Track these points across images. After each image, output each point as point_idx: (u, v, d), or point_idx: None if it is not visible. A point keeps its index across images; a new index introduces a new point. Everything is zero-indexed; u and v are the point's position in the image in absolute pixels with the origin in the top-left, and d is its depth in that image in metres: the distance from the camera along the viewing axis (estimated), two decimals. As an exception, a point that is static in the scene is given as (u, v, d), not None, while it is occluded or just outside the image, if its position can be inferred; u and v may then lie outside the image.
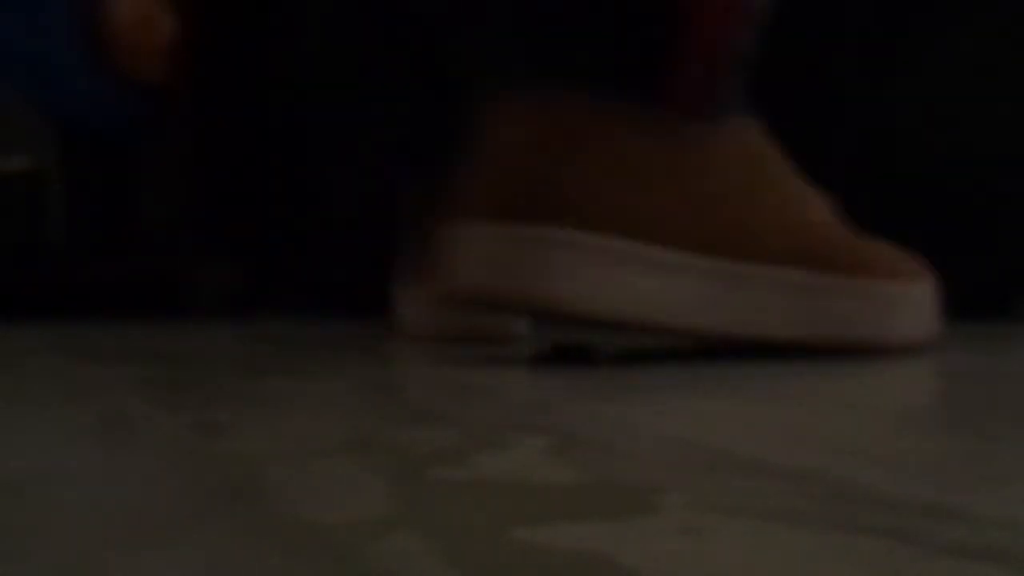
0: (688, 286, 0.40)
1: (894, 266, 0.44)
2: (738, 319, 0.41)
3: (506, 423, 0.28)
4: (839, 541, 0.15)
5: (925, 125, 0.59)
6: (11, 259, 1.07)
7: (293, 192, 1.08)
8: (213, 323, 0.90)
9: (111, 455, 0.24)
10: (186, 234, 1.10)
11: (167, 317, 0.99)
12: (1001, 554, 0.14)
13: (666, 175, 0.40)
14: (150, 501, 0.19)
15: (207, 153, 1.12)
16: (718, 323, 0.41)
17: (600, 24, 0.41)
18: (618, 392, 0.35)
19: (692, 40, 0.40)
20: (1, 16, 1.03)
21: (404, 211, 0.64)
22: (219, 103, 1.11)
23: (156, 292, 1.05)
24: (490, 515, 0.17)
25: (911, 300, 0.44)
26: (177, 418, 0.29)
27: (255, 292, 1.11)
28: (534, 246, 0.38)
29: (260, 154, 1.09)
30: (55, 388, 0.39)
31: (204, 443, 0.25)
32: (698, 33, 0.40)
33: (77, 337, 0.72)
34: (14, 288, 1.00)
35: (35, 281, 1.03)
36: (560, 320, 0.40)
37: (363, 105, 0.78)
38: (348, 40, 0.65)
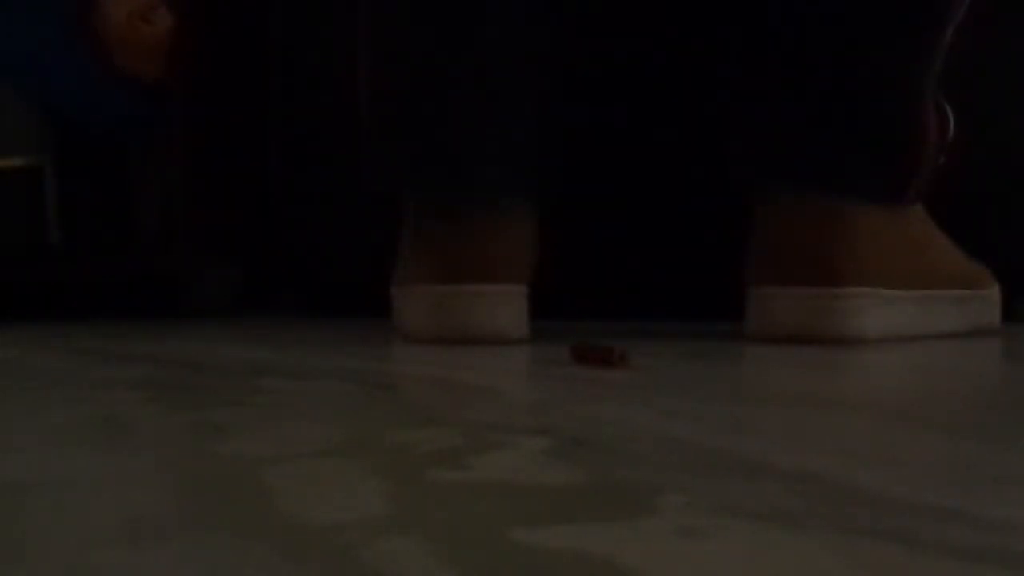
0: (907, 310, 0.61)
1: (987, 276, 0.68)
2: (927, 325, 0.63)
3: (506, 424, 0.28)
4: (839, 543, 0.15)
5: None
6: (10, 259, 1.06)
7: (293, 192, 1.08)
8: (213, 323, 0.90)
9: (110, 456, 0.24)
10: (184, 234, 1.10)
11: (167, 317, 0.98)
12: (1002, 556, 0.14)
13: (893, 246, 0.60)
14: (149, 502, 0.19)
15: (206, 152, 1.12)
16: (918, 329, 0.62)
17: (873, 149, 0.58)
18: (618, 393, 0.35)
19: (930, 160, 0.60)
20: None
21: (404, 212, 0.64)
22: (218, 101, 1.11)
23: (156, 292, 1.05)
24: (489, 516, 0.17)
25: (998, 297, 0.69)
26: (176, 419, 0.29)
27: (255, 292, 1.11)
28: (836, 300, 0.58)
29: (259, 153, 1.09)
30: (55, 388, 0.39)
31: (203, 444, 0.25)
32: (934, 156, 0.60)
33: (77, 337, 0.72)
34: (14, 288, 1.00)
35: (34, 281, 1.03)
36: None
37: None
38: (353, 39, 0.64)
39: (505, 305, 0.59)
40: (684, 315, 0.82)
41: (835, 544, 0.15)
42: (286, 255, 1.09)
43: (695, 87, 0.80)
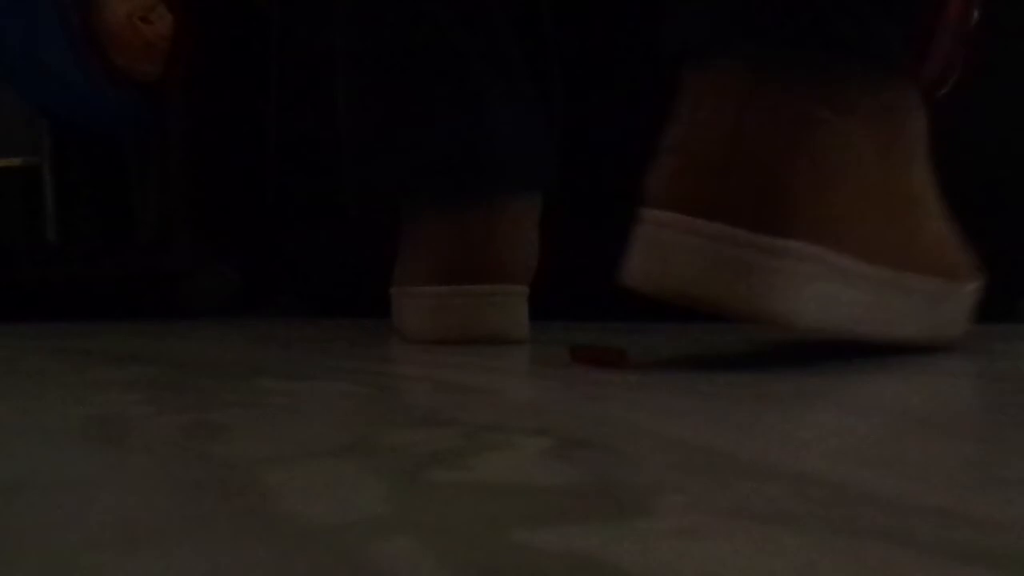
0: (864, 296, 0.39)
1: (972, 267, 0.46)
2: (883, 323, 0.41)
3: (506, 425, 0.28)
4: (840, 544, 0.15)
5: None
6: (8, 258, 1.06)
7: (292, 193, 1.07)
8: (212, 324, 0.90)
9: (108, 456, 0.24)
10: (183, 234, 1.10)
11: (166, 318, 0.98)
12: (1004, 558, 0.14)
13: (877, 193, 0.39)
14: (148, 502, 0.19)
15: (205, 152, 1.11)
16: (870, 328, 0.40)
17: None
18: (618, 394, 0.35)
19: (949, 6, 0.38)
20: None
21: (404, 212, 0.63)
22: (217, 101, 1.11)
23: (155, 292, 1.05)
24: (489, 517, 0.17)
25: (972, 298, 0.47)
26: (176, 419, 0.29)
27: (255, 292, 1.11)
28: (770, 257, 0.36)
29: (259, 154, 1.09)
30: (53, 388, 0.38)
31: (202, 444, 0.25)
32: (953, 39, 0.39)
33: (76, 337, 0.71)
34: (11, 288, 1.00)
35: (32, 280, 1.03)
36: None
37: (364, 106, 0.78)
38: (352, 39, 0.64)
39: (504, 306, 0.59)
40: (684, 315, 0.82)
41: (835, 544, 0.15)
42: (286, 255, 1.08)
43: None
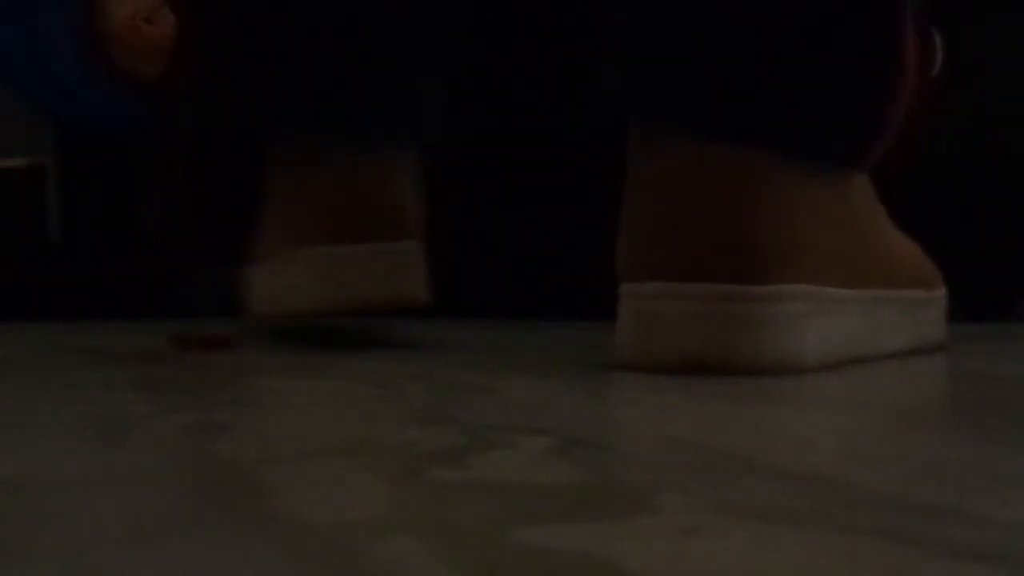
0: (853, 320, 0.41)
1: (938, 273, 0.49)
2: (874, 341, 0.43)
3: (506, 424, 0.28)
4: (840, 543, 0.15)
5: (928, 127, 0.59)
6: (11, 258, 1.06)
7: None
8: (212, 323, 0.90)
9: (109, 455, 0.24)
10: (184, 235, 1.10)
11: (167, 317, 0.98)
12: (1004, 556, 0.14)
13: (838, 223, 0.40)
14: (148, 501, 0.19)
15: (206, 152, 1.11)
16: (863, 348, 0.42)
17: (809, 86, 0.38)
18: (618, 393, 0.35)
19: (902, 111, 0.40)
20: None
21: (275, 162, 0.57)
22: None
23: (156, 293, 1.05)
24: (489, 516, 0.17)
25: (945, 302, 0.50)
26: (176, 418, 0.29)
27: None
28: (763, 304, 0.37)
29: (259, 153, 1.09)
30: (55, 388, 0.38)
31: (203, 444, 0.25)
32: (908, 104, 0.41)
33: (77, 337, 0.71)
34: (14, 288, 1.00)
35: (35, 281, 1.03)
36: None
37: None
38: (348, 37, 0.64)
39: (407, 266, 0.52)
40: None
41: (835, 544, 0.15)
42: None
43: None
